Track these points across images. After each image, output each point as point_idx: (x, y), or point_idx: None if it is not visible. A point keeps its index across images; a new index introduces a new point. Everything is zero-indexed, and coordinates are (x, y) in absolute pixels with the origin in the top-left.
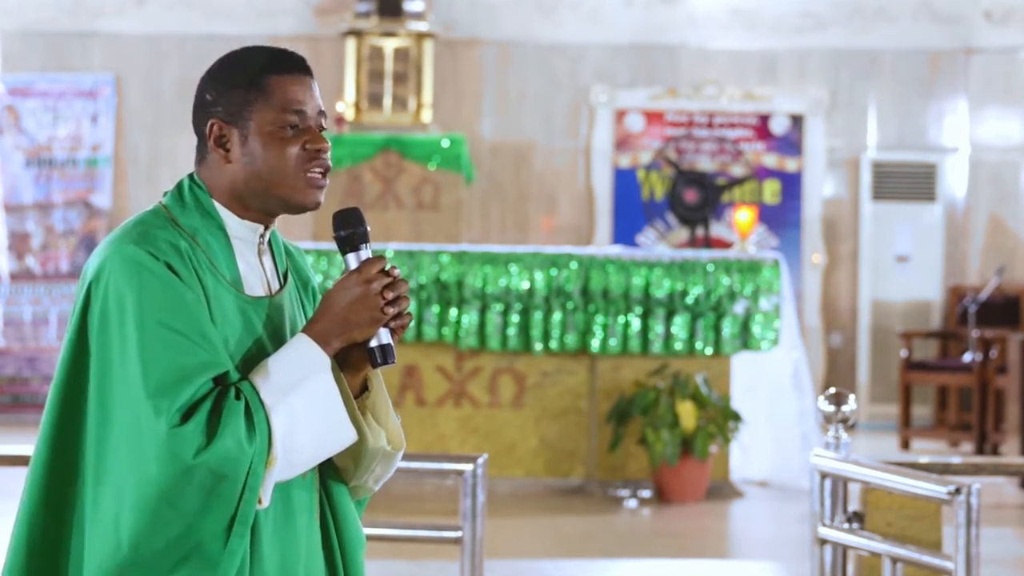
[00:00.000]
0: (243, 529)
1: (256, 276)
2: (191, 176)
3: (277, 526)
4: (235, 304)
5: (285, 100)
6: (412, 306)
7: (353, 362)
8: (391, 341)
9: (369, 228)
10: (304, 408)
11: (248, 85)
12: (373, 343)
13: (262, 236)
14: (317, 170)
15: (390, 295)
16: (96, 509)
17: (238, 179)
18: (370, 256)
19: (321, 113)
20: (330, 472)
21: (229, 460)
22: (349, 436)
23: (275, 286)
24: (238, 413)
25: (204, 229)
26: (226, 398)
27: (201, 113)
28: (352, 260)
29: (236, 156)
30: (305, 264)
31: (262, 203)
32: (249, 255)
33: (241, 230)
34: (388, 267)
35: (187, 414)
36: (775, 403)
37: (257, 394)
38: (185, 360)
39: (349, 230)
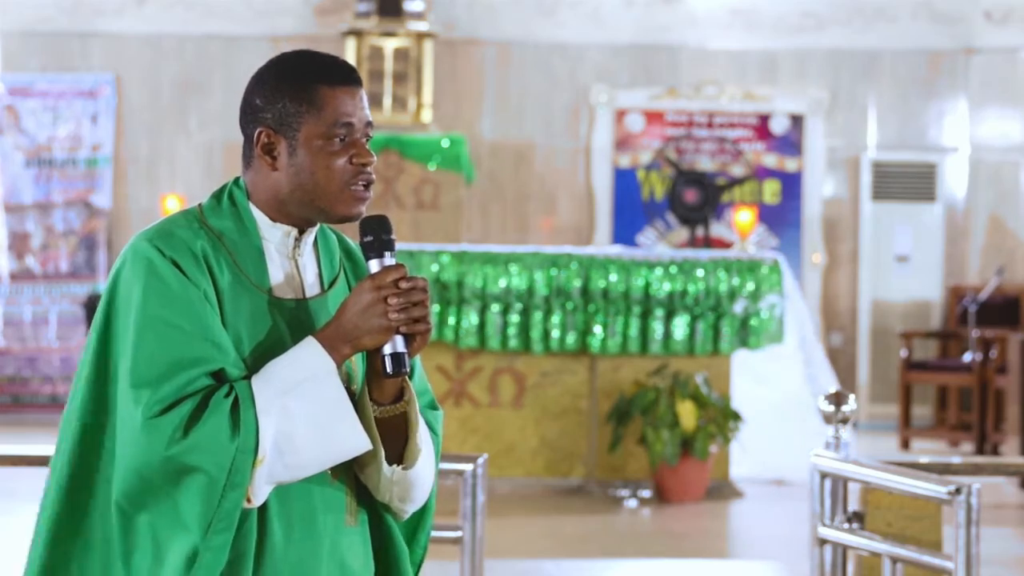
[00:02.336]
0: (224, 524)
1: (288, 279)
2: (236, 179)
3: (293, 525)
4: (258, 305)
5: (335, 113)
6: None
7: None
8: (405, 350)
9: (395, 237)
10: (302, 411)
11: (299, 96)
12: (386, 350)
13: (297, 240)
14: (361, 183)
15: (394, 301)
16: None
17: (282, 187)
18: (391, 264)
19: (368, 124)
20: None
21: (205, 454)
22: (360, 443)
23: (313, 290)
24: (222, 409)
25: (234, 231)
26: (215, 394)
27: (249, 118)
28: (374, 266)
29: (282, 165)
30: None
31: (304, 212)
32: (281, 258)
33: (273, 233)
34: (406, 276)
35: (169, 407)
36: (790, 401)
37: (251, 392)
38: (175, 353)
39: (371, 237)
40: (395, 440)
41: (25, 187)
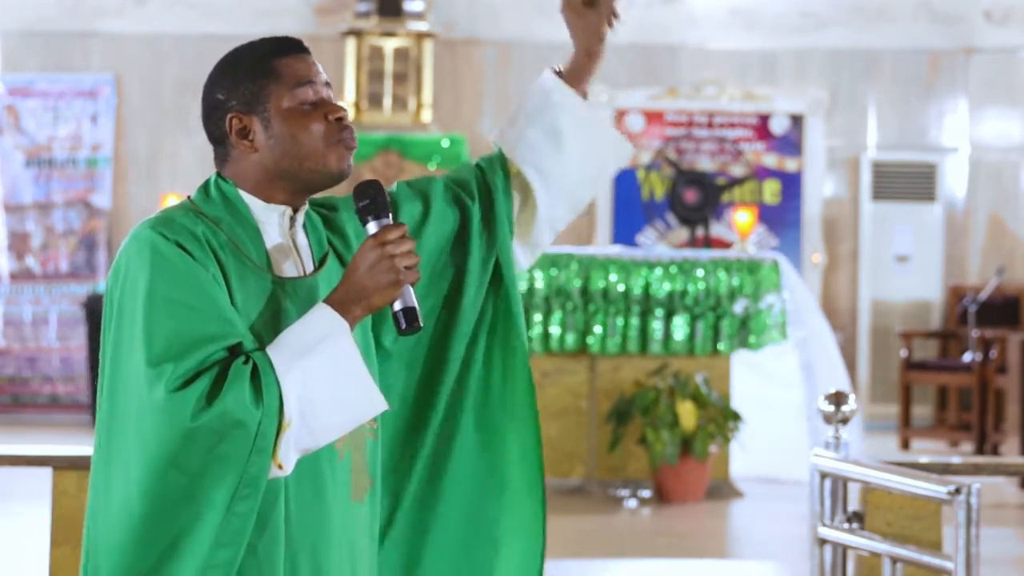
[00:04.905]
0: (251, 491)
1: (288, 258)
2: (217, 174)
3: (307, 502)
4: (262, 285)
5: (296, 77)
6: None
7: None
8: (416, 304)
9: (389, 198)
10: (320, 372)
11: (257, 73)
12: (397, 306)
13: (292, 218)
14: (345, 134)
15: (408, 260)
16: (108, 490)
17: (269, 164)
18: (389, 223)
19: (327, 84)
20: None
21: (231, 421)
22: (377, 403)
23: (310, 267)
24: (243, 376)
25: (229, 216)
26: (234, 363)
27: (215, 115)
28: (372, 227)
29: (262, 142)
30: (350, 215)
31: (297, 181)
32: (278, 237)
33: (267, 214)
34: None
35: (191, 379)
36: (793, 400)
37: (268, 359)
38: (192, 330)
39: (367, 200)
40: None
41: (25, 187)
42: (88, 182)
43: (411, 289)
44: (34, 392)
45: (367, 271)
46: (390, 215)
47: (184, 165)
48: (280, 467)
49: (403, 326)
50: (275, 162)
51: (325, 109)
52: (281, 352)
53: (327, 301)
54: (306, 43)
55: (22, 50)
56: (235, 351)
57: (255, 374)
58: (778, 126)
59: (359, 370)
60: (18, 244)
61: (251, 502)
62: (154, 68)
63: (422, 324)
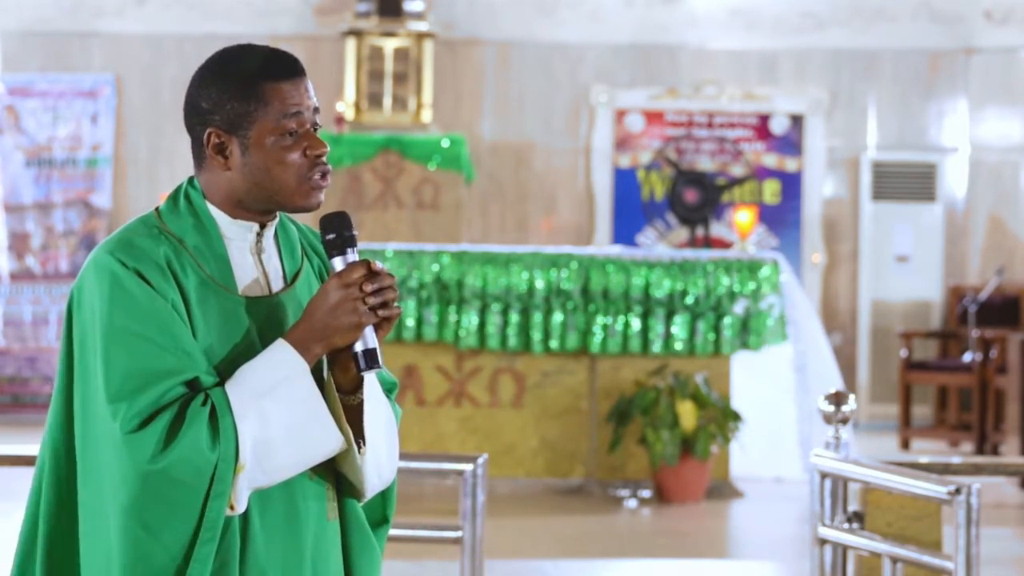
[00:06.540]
0: (210, 535)
1: (253, 276)
2: (190, 179)
3: (275, 530)
4: (225, 306)
5: (284, 107)
6: (412, 306)
7: (342, 361)
8: (376, 345)
9: (356, 232)
10: (279, 414)
11: (245, 94)
12: (357, 347)
13: (259, 235)
14: (318, 174)
15: (373, 300)
16: (88, 521)
17: (238, 186)
18: (355, 260)
19: (316, 110)
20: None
21: (188, 466)
22: (334, 442)
23: (278, 284)
24: (200, 418)
25: (194, 232)
26: (191, 404)
27: (196, 119)
28: (338, 264)
29: (236, 164)
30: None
31: (263, 207)
32: (245, 255)
33: (235, 230)
34: (372, 266)
35: (147, 420)
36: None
37: (226, 399)
38: (147, 365)
39: (334, 234)
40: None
41: (25, 187)
42: (88, 182)
43: (373, 329)
44: (34, 392)
45: (329, 311)
46: (356, 251)
47: (184, 165)
48: (232, 508)
49: (362, 367)
50: (246, 188)
51: (306, 143)
52: (239, 392)
53: (287, 338)
54: (306, 43)
55: (22, 50)
56: (194, 386)
57: (213, 416)
58: (778, 126)
59: (318, 411)
60: (18, 244)
61: (210, 546)
62: (154, 68)
63: (382, 366)
